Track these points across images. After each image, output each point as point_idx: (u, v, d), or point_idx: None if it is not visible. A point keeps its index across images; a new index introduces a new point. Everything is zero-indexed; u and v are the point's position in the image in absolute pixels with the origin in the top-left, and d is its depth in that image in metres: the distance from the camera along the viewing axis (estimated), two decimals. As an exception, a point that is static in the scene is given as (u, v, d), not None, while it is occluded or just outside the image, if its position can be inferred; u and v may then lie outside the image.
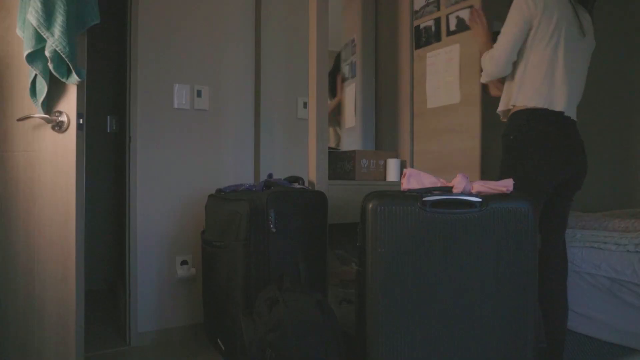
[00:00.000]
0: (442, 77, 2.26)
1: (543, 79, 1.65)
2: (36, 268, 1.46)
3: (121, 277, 2.30)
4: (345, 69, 2.81)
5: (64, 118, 1.41)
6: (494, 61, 1.72)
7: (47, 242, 1.45)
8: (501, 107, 1.80)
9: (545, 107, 1.64)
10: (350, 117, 2.79)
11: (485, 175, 2.06)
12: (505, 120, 1.79)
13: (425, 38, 2.36)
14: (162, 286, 2.18)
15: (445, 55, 2.24)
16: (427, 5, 2.35)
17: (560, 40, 1.64)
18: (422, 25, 2.38)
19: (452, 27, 2.21)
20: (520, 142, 1.66)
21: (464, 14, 2.14)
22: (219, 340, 1.81)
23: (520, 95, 1.68)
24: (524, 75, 1.68)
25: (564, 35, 1.64)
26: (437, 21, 2.29)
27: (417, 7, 2.42)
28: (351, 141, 2.76)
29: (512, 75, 1.74)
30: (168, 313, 2.20)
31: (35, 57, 1.35)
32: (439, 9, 2.28)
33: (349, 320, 1.65)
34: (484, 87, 2.02)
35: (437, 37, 2.29)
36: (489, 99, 2.05)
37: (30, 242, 1.48)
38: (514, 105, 1.71)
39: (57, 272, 1.43)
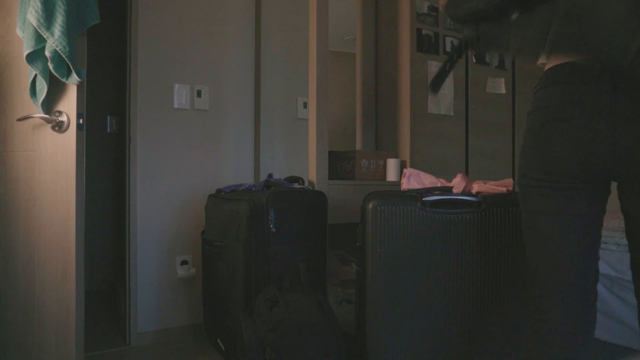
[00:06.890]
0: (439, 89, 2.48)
1: None
2: (36, 268, 1.46)
3: (121, 277, 2.29)
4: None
5: (64, 118, 1.41)
6: None
7: (47, 242, 1.44)
8: None
9: None
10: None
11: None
12: None
13: (427, 46, 2.49)
14: (162, 286, 2.18)
15: None
16: (429, 14, 2.48)
17: None
18: (424, 32, 2.50)
19: (448, 49, 2.49)
20: None
21: (456, 42, 2.49)
22: (219, 340, 1.81)
23: None
24: None
25: None
26: (437, 36, 2.49)
27: (420, 10, 2.51)
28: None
29: None
30: (168, 313, 2.19)
31: (35, 57, 1.35)
32: (437, 25, 2.49)
33: (349, 320, 1.65)
34: None
35: (436, 51, 2.51)
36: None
37: (30, 242, 1.47)
38: None
39: (57, 272, 1.42)
